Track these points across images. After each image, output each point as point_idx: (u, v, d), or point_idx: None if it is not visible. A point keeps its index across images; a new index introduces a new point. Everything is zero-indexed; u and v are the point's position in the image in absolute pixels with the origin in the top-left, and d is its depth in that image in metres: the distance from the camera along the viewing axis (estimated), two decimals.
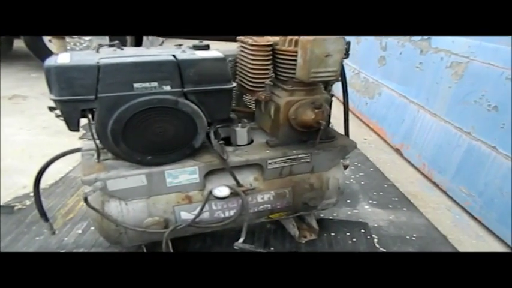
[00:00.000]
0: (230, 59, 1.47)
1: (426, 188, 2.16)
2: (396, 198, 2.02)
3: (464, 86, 1.91)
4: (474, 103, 1.82)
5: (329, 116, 1.39)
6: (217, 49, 1.29)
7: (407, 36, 2.54)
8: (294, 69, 1.26)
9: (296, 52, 1.22)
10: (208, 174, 1.31)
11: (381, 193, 2.07)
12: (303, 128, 1.35)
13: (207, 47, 1.26)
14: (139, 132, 1.13)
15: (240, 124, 1.41)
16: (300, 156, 1.39)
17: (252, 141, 1.46)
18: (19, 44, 4.66)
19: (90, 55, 1.12)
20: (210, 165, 1.28)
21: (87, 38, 4.00)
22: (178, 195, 1.30)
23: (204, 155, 1.31)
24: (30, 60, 4.48)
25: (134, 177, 1.21)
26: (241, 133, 1.40)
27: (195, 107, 1.16)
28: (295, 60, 1.24)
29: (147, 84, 1.08)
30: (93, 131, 1.14)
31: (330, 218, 1.81)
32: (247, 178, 1.39)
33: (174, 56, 1.13)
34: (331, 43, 1.14)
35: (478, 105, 1.79)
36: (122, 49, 1.23)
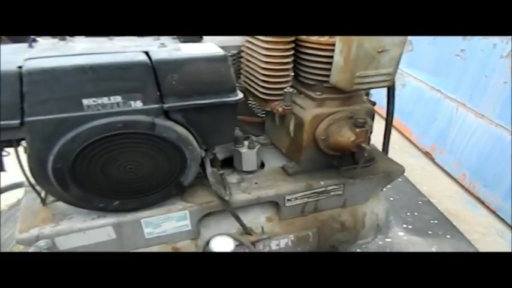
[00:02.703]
0: (232, 51, 1.07)
1: (469, 205, 1.80)
2: (435, 221, 1.66)
3: None
4: None
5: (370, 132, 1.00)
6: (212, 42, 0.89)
7: None
8: (327, 69, 0.87)
9: (332, 45, 0.83)
10: (205, 216, 0.94)
11: (416, 213, 1.71)
12: (336, 152, 0.97)
13: (199, 38, 0.87)
14: (98, 169, 0.76)
15: (246, 142, 1.02)
16: (329, 188, 1.02)
17: (262, 165, 1.08)
18: None
19: (16, 52, 0.73)
20: (206, 207, 0.91)
21: None
22: (161, 248, 0.93)
23: (198, 190, 0.94)
24: None
25: (96, 230, 0.84)
26: (248, 156, 1.02)
27: (182, 130, 0.78)
28: (329, 57, 0.85)
29: (104, 100, 0.70)
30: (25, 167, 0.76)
31: (358, 250, 1.45)
32: (258, 219, 1.02)
33: (146, 53, 0.74)
34: None
35: None
36: (68, 41, 0.83)
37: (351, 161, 1.05)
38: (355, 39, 0.73)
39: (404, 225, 1.62)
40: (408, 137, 2.49)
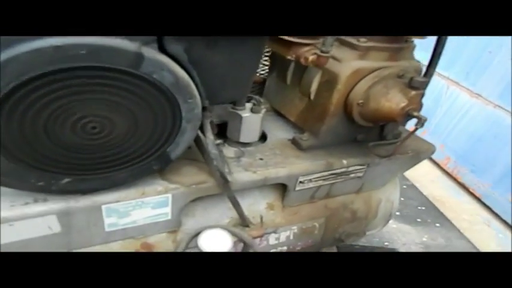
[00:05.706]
0: None
1: (453, 191, 1.78)
2: (423, 208, 1.61)
3: None
4: None
5: None
6: None
7: None
8: None
9: None
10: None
11: (402, 199, 1.64)
12: (371, 122, 0.79)
13: None
14: (40, 127, 0.48)
15: (249, 104, 0.79)
16: (351, 169, 0.84)
17: (264, 136, 0.86)
18: None
19: None
20: (196, 190, 0.68)
21: None
22: (127, 244, 0.69)
23: (183, 166, 0.70)
24: None
25: (31, 220, 0.57)
26: (251, 122, 0.79)
27: (182, 73, 0.52)
28: None
29: None
30: None
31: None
32: (256, 205, 0.82)
33: None
34: None
35: None
36: None
37: (377, 136, 0.88)
38: None
39: None
40: None
